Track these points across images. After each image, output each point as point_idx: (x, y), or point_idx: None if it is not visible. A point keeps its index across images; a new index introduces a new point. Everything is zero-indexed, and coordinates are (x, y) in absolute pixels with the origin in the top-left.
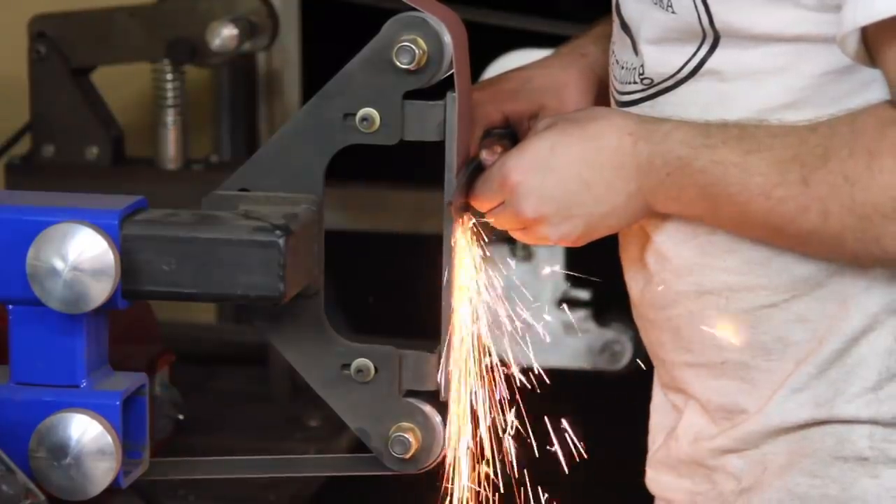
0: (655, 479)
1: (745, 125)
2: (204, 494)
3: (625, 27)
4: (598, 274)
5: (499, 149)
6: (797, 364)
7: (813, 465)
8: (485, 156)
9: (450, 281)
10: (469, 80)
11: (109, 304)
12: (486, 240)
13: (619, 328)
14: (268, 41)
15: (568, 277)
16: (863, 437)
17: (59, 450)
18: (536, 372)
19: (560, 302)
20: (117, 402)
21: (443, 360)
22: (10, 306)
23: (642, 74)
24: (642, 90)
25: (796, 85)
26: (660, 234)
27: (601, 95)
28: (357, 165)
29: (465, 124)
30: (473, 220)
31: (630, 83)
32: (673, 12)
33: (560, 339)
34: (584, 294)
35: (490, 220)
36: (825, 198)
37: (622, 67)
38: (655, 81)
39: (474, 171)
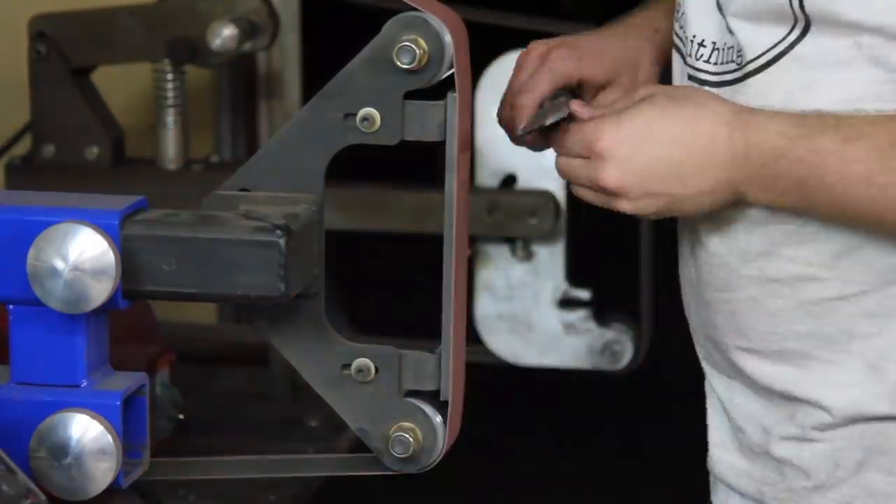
0: (723, 459)
1: (840, 115)
2: (204, 494)
3: (719, 5)
4: (598, 274)
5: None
6: (866, 357)
7: (889, 462)
8: (576, 107)
9: (450, 279)
10: (469, 79)
11: (110, 304)
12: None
13: (619, 328)
14: (268, 41)
15: (568, 277)
16: None
17: (60, 450)
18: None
19: (560, 302)
20: (118, 402)
21: (443, 360)
22: (11, 306)
23: (740, 53)
24: (735, 70)
25: (882, 77)
26: (729, 218)
27: (668, 71)
28: (357, 165)
29: (466, 124)
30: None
31: (727, 62)
32: None
33: (560, 339)
34: (584, 294)
35: (562, 167)
36: None
37: (715, 48)
38: (745, 62)
39: (566, 118)
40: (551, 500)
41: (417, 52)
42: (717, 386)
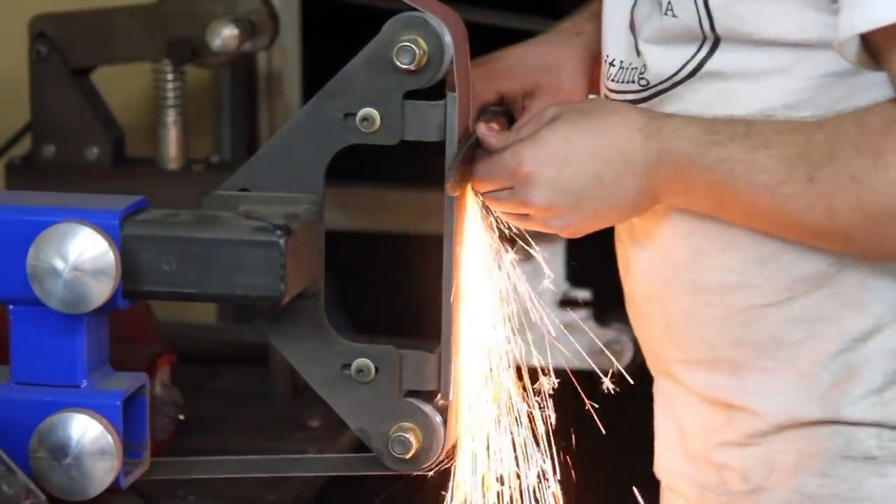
0: (665, 464)
1: (751, 121)
2: (204, 494)
3: (632, 27)
4: (598, 274)
5: (496, 126)
6: (797, 364)
7: (822, 465)
8: (483, 130)
9: (450, 279)
10: (469, 80)
11: (110, 304)
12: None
13: (619, 328)
14: (268, 41)
15: (568, 277)
16: (870, 436)
17: (60, 450)
18: (536, 371)
19: (560, 302)
20: (118, 402)
21: (443, 360)
22: (11, 306)
23: (642, 75)
24: (639, 91)
25: (796, 86)
26: (657, 229)
27: (595, 74)
28: (357, 165)
29: (466, 124)
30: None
31: (628, 82)
32: (674, 16)
33: (560, 339)
34: (584, 294)
35: (488, 201)
36: (831, 196)
37: (621, 67)
38: (652, 83)
39: (472, 146)
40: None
41: (417, 52)
42: (665, 391)
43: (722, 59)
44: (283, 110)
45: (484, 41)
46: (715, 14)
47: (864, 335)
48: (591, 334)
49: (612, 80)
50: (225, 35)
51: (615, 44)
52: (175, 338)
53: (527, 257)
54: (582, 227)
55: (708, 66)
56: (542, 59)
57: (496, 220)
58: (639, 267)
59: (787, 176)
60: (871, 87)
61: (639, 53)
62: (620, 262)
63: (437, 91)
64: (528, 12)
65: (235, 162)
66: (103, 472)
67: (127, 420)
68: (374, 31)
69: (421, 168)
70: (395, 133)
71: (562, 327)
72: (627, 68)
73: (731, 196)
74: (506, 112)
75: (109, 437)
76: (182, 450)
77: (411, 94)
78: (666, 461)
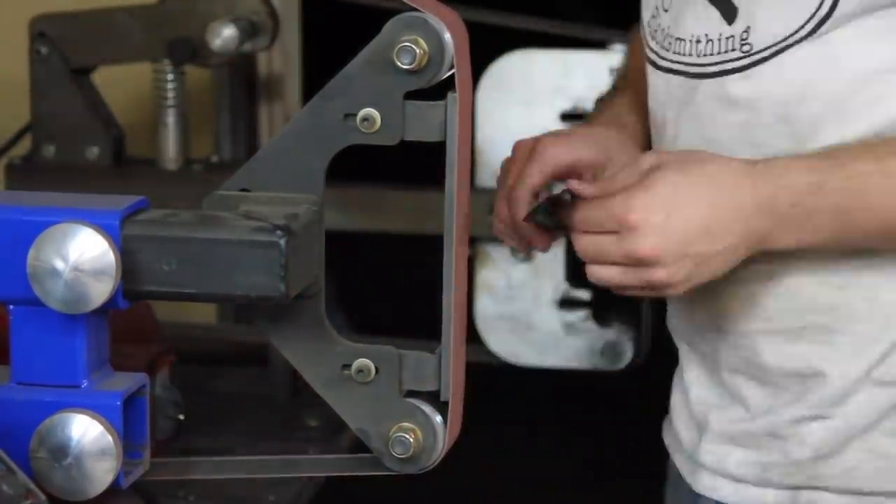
0: (714, 451)
1: (865, 141)
2: (204, 494)
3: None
4: None
5: (590, 177)
6: (884, 326)
7: (894, 424)
8: (576, 185)
9: (450, 279)
10: (470, 80)
11: (110, 304)
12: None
13: (619, 328)
14: (268, 41)
15: (568, 277)
16: None
17: (60, 450)
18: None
19: (560, 302)
20: (118, 403)
21: (443, 360)
22: (11, 306)
23: (745, 41)
24: (740, 57)
25: None
26: None
27: None
28: (357, 165)
29: (466, 124)
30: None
31: (723, 52)
32: None
33: (560, 339)
34: (584, 294)
35: (585, 247)
36: None
37: (708, 40)
38: (755, 49)
39: (557, 198)
40: (551, 499)
41: (417, 52)
42: (705, 384)
43: (837, 19)
44: (283, 110)
45: (484, 41)
46: None
47: None
48: (591, 334)
49: (702, 56)
50: (225, 35)
51: (695, 19)
52: (175, 338)
53: (527, 257)
54: (684, 278)
55: (824, 27)
56: (605, 137)
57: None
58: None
59: None
60: None
61: (733, 20)
62: None
63: (437, 91)
64: (528, 12)
65: (235, 162)
66: (103, 473)
67: (127, 420)
68: (374, 31)
69: (421, 168)
70: (396, 133)
71: (562, 327)
72: (718, 40)
73: (864, 213)
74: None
75: (109, 437)
76: (182, 450)
77: (412, 95)
78: (715, 447)
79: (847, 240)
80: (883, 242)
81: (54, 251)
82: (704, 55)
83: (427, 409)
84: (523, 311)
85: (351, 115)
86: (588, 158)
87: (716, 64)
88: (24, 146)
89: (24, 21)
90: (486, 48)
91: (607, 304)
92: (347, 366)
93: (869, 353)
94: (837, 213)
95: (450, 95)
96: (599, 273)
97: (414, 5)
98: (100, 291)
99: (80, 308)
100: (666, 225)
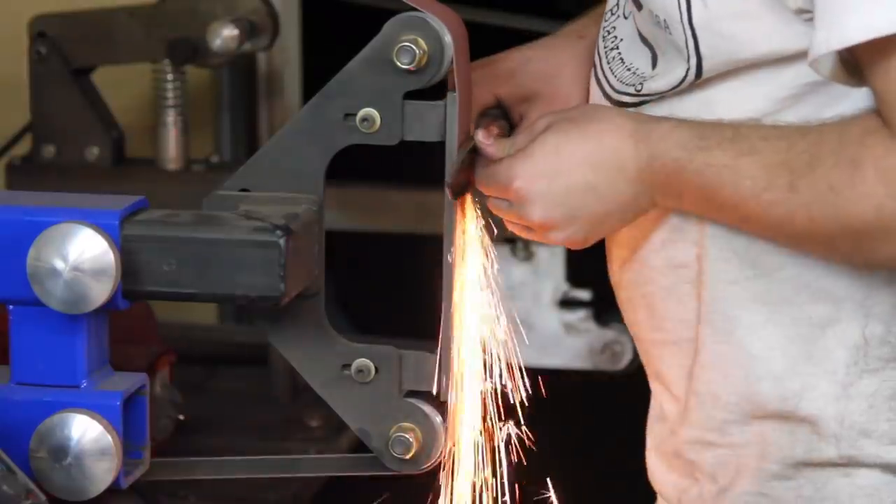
0: (651, 469)
1: (738, 126)
2: (204, 494)
3: (644, 40)
4: (598, 274)
5: (495, 130)
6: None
7: (785, 469)
8: (481, 138)
9: (450, 278)
10: (469, 80)
11: (110, 304)
12: (494, 230)
13: (619, 328)
14: (268, 41)
15: (568, 277)
16: (832, 435)
17: (60, 450)
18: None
19: (560, 302)
20: (118, 403)
21: (442, 360)
22: (11, 306)
23: (640, 86)
24: (632, 96)
25: (779, 94)
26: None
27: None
28: (357, 165)
29: (466, 124)
30: (477, 209)
31: (630, 85)
32: (670, 34)
33: (560, 339)
34: (584, 294)
35: (492, 208)
36: (811, 204)
37: (628, 69)
38: (642, 91)
39: (472, 150)
40: (550, 499)
41: (417, 52)
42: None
43: (707, 72)
44: (283, 110)
45: (484, 41)
46: (699, 33)
47: (825, 322)
48: (591, 334)
49: (618, 80)
50: (225, 35)
51: (634, 50)
52: (175, 338)
53: (527, 257)
54: (583, 238)
55: (695, 81)
56: (542, 64)
57: (500, 223)
58: (621, 253)
59: (768, 183)
60: (853, 92)
61: (654, 66)
62: (608, 250)
63: (437, 91)
64: (528, 12)
65: (235, 162)
66: (103, 473)
67: (127, 420)
68: (374, 31)
69: (421, 168)
70: (395, 133)
71: (562, 327)
72: (636, 73)
73: (720, 201)
74: (505, 115)
75: (109, 437)
76: (182, 450)
77: (411, 95)
78: (651, 464)
79: (720, 219)
80: (745, 229)
81: (54, 251)
82: (620, 80)
83: (427, 409)
84: (523, 311)
85: (351, 115)
86: (510, 95)
87: (616, 91)
88: (24, 146)
89: (24, 21)
90: (486, 48)
91: (607, 304)
92: (347, 366)
93: (751, 375)
94: (700, 193)
95: (449, 95)
96: (511, 228)
97: (414, 5)
98: (100, 291)
99: (80, 308)
100: (549, 191)
